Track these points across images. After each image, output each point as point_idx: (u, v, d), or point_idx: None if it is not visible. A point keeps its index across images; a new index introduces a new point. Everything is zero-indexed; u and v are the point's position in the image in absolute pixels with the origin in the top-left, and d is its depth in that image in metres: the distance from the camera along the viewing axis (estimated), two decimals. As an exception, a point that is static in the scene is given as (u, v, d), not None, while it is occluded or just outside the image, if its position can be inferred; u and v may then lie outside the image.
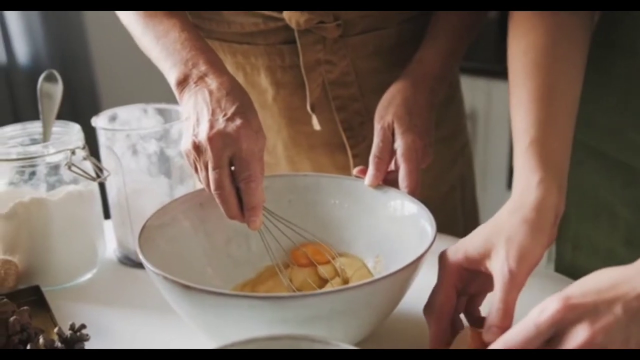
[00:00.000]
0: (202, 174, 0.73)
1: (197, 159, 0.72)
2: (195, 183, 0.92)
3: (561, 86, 0.70)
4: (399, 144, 0.80)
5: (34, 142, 0.88)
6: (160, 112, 0.93)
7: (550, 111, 0.68)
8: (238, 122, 0.71)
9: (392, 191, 0.79)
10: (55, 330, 0.64)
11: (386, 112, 0.82)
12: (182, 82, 0.78)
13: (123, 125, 0.91)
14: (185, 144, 0.73)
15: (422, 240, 0.71)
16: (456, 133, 1.10)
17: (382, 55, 0.95)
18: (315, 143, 1.00)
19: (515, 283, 0.59)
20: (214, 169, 0.70)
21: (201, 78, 0.77)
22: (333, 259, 0.79)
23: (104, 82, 2.09)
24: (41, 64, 1.93)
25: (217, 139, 0.70)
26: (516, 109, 0.70)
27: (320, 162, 1.01)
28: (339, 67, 0.93)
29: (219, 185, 0.71)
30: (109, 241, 0.93)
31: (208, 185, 0.72)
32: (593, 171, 0.87)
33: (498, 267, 0.60)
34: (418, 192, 0.78)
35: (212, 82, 0.76)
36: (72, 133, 0.85)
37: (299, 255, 0.79)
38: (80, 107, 1.87)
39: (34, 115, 0.90)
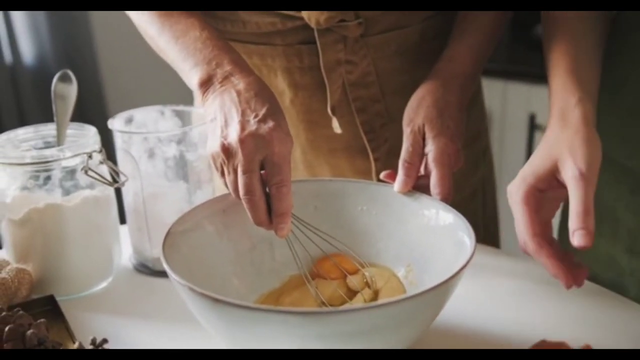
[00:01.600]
0: (229, 178, 0.70)
1: (225, 162, 0.69)
2: (215, 189, 0.89)
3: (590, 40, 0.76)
4: (430, 148, 0.76)
5: (47, 145, 0.85)
6: (178, 114, 0.90)
7: (583, 46, 0.74)
8: (270, 124, 0.68)
9: (424, 198, 0.75)
10: (76, 345, 0.61)
11: (416, 114, 0.79)
12: (206, 83, 0.75)
13: (139, 128, 0.88)
14: (213, 147, 0.70)
15: (458, 250, 0.68)
16: (478, 135, 1.07)
17: (404, 54, 0.92)
18: (334, 147, 0.96)
19: (588, 182, 0.62)
20: (245, 172, 0.67)
21: (227, 78, 0.74)
22: (362, 267, 0.76)
23: (110, 82, 2.06)
24: (47, 64, 1.90)
25: (249, 141, 0.67)
26: (550, 43, 0.76)
27: (340, 167, 0.98)
28: (359, 67, 0.90)
29: (248, 190, 0.67)
30: (124, 248, 0.90)
31: (236, 189, 0.69)
32: (599, 176, 0.84)
33: (570, 174, 0.63)
34: (451, 199, 0.75)
35: (239, 82, 0.73)
36: (89, 136, 0.82)
37: (327, 268, 0.76)
38: (87, 108, 1.84)
39: (39, 116, 0.87)
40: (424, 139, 0.78)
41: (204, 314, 0.61)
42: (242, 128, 0.68)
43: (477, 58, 0.85)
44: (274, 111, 0.70)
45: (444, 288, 0.59)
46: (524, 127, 1.79)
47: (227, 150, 0.68)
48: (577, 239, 0.60)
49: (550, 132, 0.69)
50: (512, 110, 1.81)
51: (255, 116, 0.69)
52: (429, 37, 0.92)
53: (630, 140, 0.80)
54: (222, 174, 0.71)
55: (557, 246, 0.66)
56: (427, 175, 0.77)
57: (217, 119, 0.71)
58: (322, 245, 0.76)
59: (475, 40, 0.85)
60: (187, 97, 1.05)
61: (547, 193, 0.67)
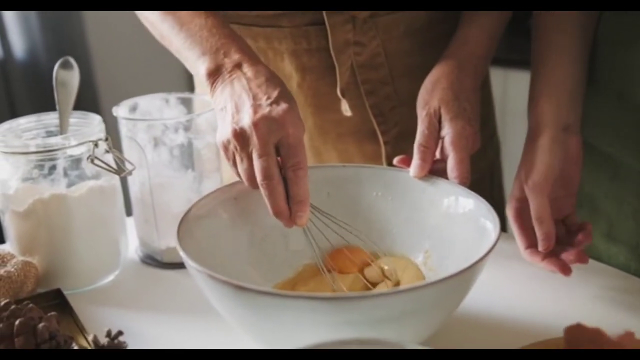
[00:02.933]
0: (242, 166, 0.67)
1: (238, 148, 0.66)
2: (222, 178, 0.87)
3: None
4: (447, 131, 0.74)
5: (50, 134, 0.82)
6: (183, 101, 0.87)
7: (563, 51, 0.76)
8: (283, 105, 0.66)
9: (441, 182, 0.73)
10: (90, 338, 0.59)
11: (431, 97, 0.77)
12: (214, 73, 0.72)
13: (144, 116, 0.85)
14: (224, 134, 0.68)
15: (480, 234, 0.66)
16: (487, 120, 1.06)
17: (413, 35, 0.90)
18: (343, 131, 0.94)
19: (539, 192, 0.70)
20: (261, 156, 0.65)
21: (236, 67, 0.71)
22: (378, 258, 0.73)
23: (103, 75, 2.03)
24: (38, 59, 1.87)
25: (263, 123, 0.65)
26: (532, 48, 0.80)
27: (348, 152, 0.96)
28: (368, 48, 0.88)
29: (266, 175, 0.65)
30: (130, 240, 0.87)
31: (250, 177, 0.67)
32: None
33: (527, 188, 0.71)
34: (468, 182, 0.73)
35: (248, 70, 0.71)
36: (93, 124, 0.79)
37: (342, 262, 0.73)
38: (79, 101, 1.80)
39: (31, 111, 0.84)
40: (439, 122, 0.76)
41: (225, 303, 0.59)
42: (255, 111, 0.66)
43: (490, 40, 0.84)
44: (286, 95, 0.68)
45: (472, 271, 0.57)
46: (525, 115, 1.77)
47: (239, 136, 0.66)
48: (540, 243, 0.70)
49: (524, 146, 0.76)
50: (513, 98, 1.79)
51: (268, 98, 0.67)
52: (436, 19, 0.91)
53: (611, 126, 0.80)
54: (234, 163, 0.68)
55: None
56: (442, 160, 0.75)
57: (228, 107, 0.69)
58: (338, 232, 0.74)
59: (488, 22, 0.84)
60: (182, 90, 1.02)
61: None
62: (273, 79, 0.70)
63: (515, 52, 1.87)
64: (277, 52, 0.89)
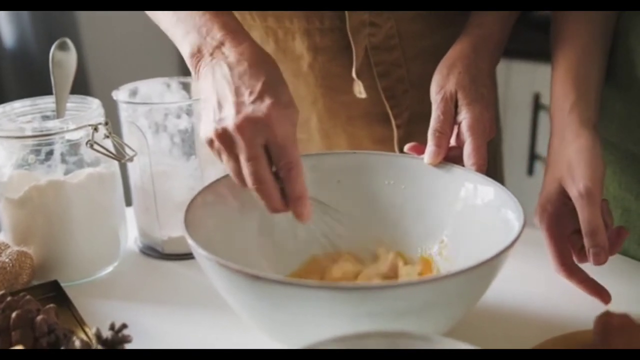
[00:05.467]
0: (230, 165, 0.62)
1: (223, 148, 0.62)
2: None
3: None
4: (464, 116, 0.72)
5: (46, 119, 0.78)
6: (185, 86, 0.84)
7: (587, 47, 0.73)
8: (267, 101, 0.61)
9: (457, 169, 0.71)
10: (93, 331, 0.55)
11: (446, 81, 0.74)
12: (196, 54, 0.67)
13: (144, 101, 0.81)
14: (206, 132, 0.63)
15: (500, 221, 0.63)
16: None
17: (426, 17, 0.88)
18: (353, 114, 0.92)
19: (591, 199, 0.64)
20: (249, 160, 0.60)
21: (217, 48, 0.66)
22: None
23: (94, 64, 1.99)
24: (28, 47, 1.82)
25: (247, 126, 0.60)
26: (555, 43, 0.75)
27: (358, 135, 0.93)
28: (383, 29, 0.86)
29: (257, 179, 0.60)
30: (130, 230, 0.84)
31: (239, 176, 0.62)
32: (605, 164, 0.80)
33: (573, 194, 0.65)
34: (485, 170, 0.70)
35: (230, 52, 0.65)
36: (92, 108, 0.76)
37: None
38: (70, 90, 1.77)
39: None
40: (455, 107, 0.73)
41: (237, 294, 0.55)
42: (237, 111, 0.61)
43: (505, 24, 0.81)
44: (271, 83, 0.63)
45: (497, 260, 0.54)
46: (528, 107, 1.75)
47: (222, 137, 0.61)
48: (591, 257, 0.64)
49: (551, 147, 0.70)
50: (515, 90, 1.77)
51: (250, 93, 0.62)
52: None
53: (636, 125, 0.76)
54: (222, 159, 0.64)
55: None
56: (457, 146, 0.72)
57: (210, 98, 0.64)
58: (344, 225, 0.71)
59: None
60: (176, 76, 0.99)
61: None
62: (257, 63, 0.64)
63: (517, 42, 1.86)
64: (287, 32, 0.86)
